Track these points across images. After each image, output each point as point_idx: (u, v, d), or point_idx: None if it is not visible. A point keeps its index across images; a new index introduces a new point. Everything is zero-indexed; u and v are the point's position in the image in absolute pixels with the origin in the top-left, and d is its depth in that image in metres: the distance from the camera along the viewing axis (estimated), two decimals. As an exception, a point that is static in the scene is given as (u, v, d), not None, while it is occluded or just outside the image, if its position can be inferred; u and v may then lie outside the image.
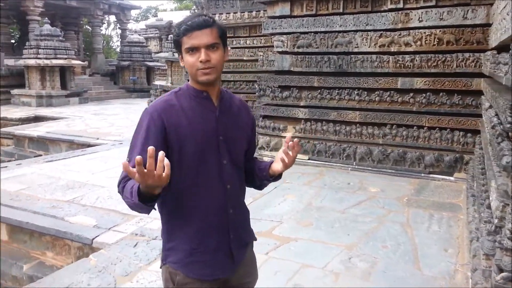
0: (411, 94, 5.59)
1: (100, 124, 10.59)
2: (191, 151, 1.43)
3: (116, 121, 11.21)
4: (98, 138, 8.56)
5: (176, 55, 12.89)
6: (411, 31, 5.46)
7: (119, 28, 24.55)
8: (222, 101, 1.54)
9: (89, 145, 8.14)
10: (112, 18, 27.61)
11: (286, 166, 1.54)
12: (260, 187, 1.75)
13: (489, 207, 2.65)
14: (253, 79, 9.47)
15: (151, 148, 1.12)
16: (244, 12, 9.40)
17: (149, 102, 13.51)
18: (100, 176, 5.69)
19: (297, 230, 3.88)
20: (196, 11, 10.64)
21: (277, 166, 1.57)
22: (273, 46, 6.69)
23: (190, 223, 1.48)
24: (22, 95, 14.56)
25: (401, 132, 5.68)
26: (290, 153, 1.50)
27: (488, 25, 4.98)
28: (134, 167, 1.13)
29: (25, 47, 14.82)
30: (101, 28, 23.36)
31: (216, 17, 9.79)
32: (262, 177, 1.66)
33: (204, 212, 1.49)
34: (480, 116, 5.22)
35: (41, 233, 4.02)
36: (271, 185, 5.12)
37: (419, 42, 5.43)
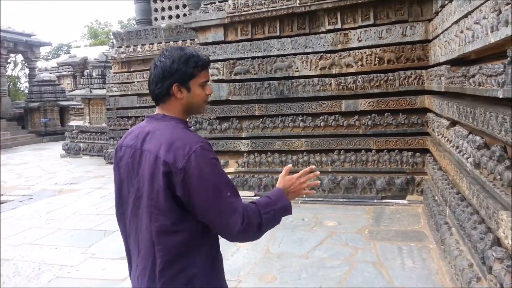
0: (356, 117, 5.31)
1: (5, 177, 9.04)
2: None
3: (25, 171, 9.69)
4: (2, 195, 7.15)
5: (95, 91, 11.86)
6: (351, 51, 5.23)
7: (27, 67, 22.42)
8: None
9: (-10, 204, 6.74)
10: (20, 57, 25.32)
11: None
12: None
13: (496, 243, 2.24)
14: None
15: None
16: (169, 42, 8.76)
17: (64, 146, 12.00)
18: (3, 246, 4.52)
19: (261, 289, 3.22)
20: (115, 44, 9.77)
21: None
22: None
23: None
24: None
25: (350, 157, 5.35)
26: None
27: (427, 41, 4.88)
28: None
29: None
30: (6, 68, 21.13)
31: (139, 49, 9.04)
32: None
33: None
34: (427, 134, 5.07)
35: None
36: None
37: (360, 63, 5.20)
